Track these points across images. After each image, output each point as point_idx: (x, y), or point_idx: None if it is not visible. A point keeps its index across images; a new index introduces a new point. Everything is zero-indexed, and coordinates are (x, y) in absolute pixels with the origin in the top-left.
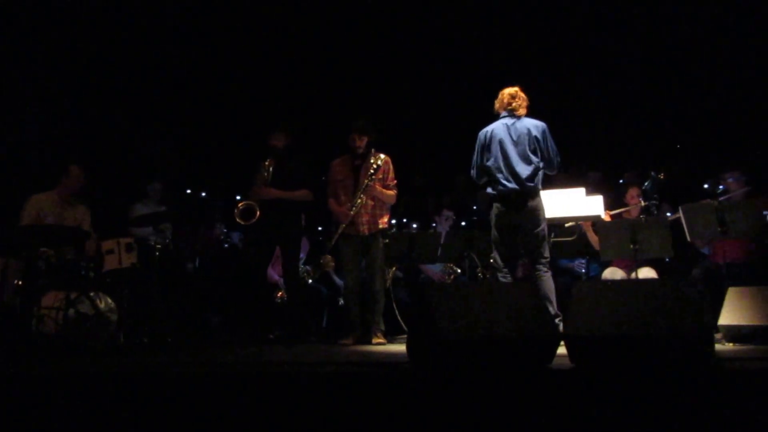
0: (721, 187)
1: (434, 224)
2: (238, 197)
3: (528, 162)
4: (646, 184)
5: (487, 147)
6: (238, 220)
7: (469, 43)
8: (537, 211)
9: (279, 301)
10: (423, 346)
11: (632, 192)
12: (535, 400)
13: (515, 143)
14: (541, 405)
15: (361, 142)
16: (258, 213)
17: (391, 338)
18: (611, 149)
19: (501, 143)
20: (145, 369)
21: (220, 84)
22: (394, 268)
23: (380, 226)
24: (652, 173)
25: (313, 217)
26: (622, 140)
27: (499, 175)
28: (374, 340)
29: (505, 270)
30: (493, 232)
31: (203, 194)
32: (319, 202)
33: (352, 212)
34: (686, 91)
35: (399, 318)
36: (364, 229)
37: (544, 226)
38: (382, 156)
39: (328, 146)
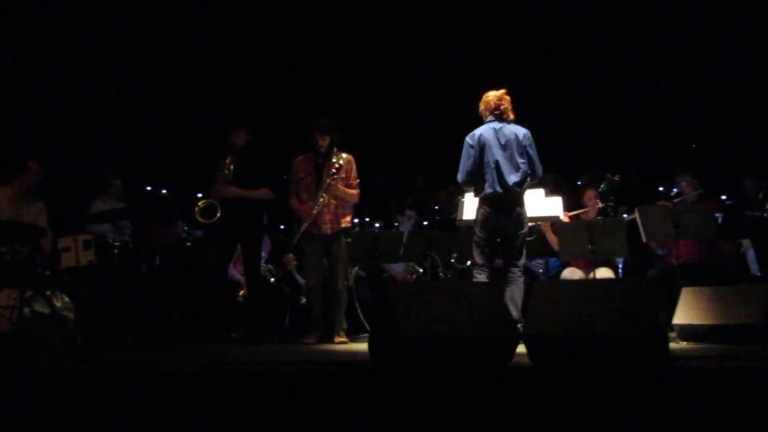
0: (675, 189)
1: (397, 224)
2: (199, 195)
3: (517, 168)
4: (602, 186)
5: (475, 151)
6: (198, 218)
7: (430, 44)
8: (522, 216)
9: (240, 300)
10: (385, 344)
11: (589, 194)
12: (495, 399)
13: (504, 148)
14: (500, 403)
15: (324, 142)
16: (219, 211)
17: (353, 337)
18: (568, 151)
19: (490, 148)
20: (103, 369)
21: (181, 80)
22: (356, 268)
23: (343, 226)
24: (608, 175)
25: (275, 216)
26: (580, 142)
27: (489, 180)
28: (336, 339)
29: (483, 268)
30: (478, 233)
31: (163, 191)
32: (281, 201)
33: (314, 211)
34: (642, 95)
35: (361, 317)
36: (327, 228)
37: (526, 230)
38: (345, 155)
39: (289, 144)
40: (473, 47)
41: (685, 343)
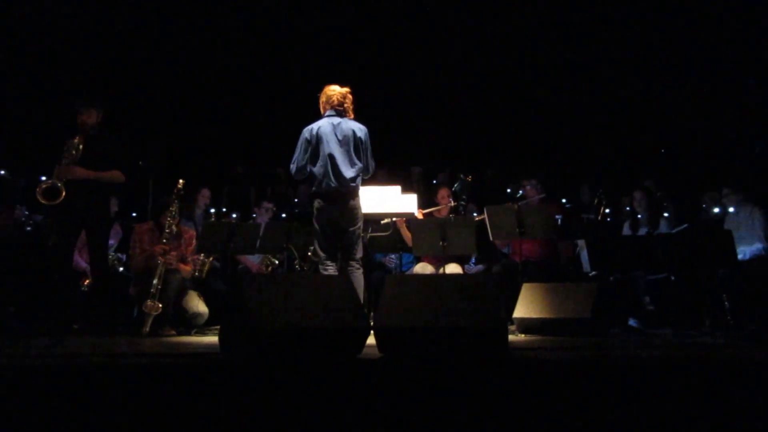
0: (521, 191)
1: (254, 215)
2: (42, 177)
3: (352, 163)
4: (455, 185)
5: (312, 144)
6: (39, 199)
7: (288, 37)
8: (355, 210)
9: (85, 289)
10: (237, 336)
11: (443, 192)
12: (345, 389)
13: (341, 143)
14: (349, 394)
15: (89, 119)
16: (63, 193)
17: (206, 329)
18: (432, 148)
19: (327, 143)
20: None
21: (26, 52)
22: (211, 258)
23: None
24: (462, 176)
25: (127, 201)
26: (440, 142)
27: (323, 173)
28: (167, 331)
29: (328, 262)
30: (315, 226)
31: (2, 172)
32: (132, 185)
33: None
34: (496, 103)
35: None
36: None
37: (360, 225)
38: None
39: (142, 124)
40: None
41: (523, 335)
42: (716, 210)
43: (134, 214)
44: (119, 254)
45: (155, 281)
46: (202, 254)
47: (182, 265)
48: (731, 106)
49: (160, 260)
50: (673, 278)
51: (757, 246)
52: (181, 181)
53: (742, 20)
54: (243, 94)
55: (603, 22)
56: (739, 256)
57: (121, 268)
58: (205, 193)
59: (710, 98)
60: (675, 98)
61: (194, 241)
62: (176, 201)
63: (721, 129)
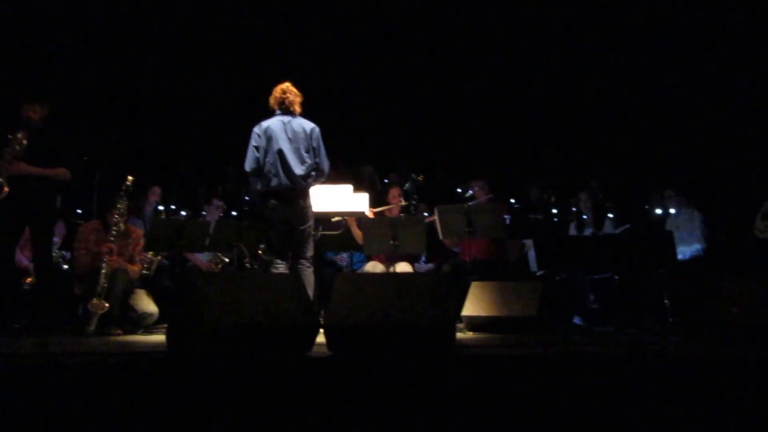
0: (470, 192)
1: (204, 213)
2: None
3: (302, 161)
4: (407, 185)
5: (262, 142)
6: None
7: (239, 35)
8: (306, 209)
9: (27, 287)
10: (184, 335)
11: (394, 192)
12: (293, 387)
13: (291, 141)
14: (298, 392)
15: (35, 114)
16: (6, 189)
17: (154, 328)
18: (384, 148)
19: (277, 140)
20: None
21: None
22: (159, 257)
23: None
24: (413, 176)
25: (72, 198)
26: (392, 142)
27: (274, 172)
28: (113, 330)
29: (278, 261)
30: (266, 224)
31: None
32: (77, 181)
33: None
34: (449, 102)
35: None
36: None
37: (311, 223)
38: None
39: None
40: (295, 37)
41: (471, 333)
42: (658, 211)
43: (79, 211)
44: (63, 252)
45: (101, 280)
46: (151, 252)
47: (130, 265)
48: (676, 110)
49: (107, 258)
50: (616, 277)
51: (696, 246)
52: (129, 177)
53: (685, 24)
54: (194, 90)
55: (548, 22)
56: (679, 257)
57: (65, 266)
58: (156, 191)
59: (655, 102)
60: (621, 101)
61: (142, 241)
62: (124, 198)
63: (665, 133)
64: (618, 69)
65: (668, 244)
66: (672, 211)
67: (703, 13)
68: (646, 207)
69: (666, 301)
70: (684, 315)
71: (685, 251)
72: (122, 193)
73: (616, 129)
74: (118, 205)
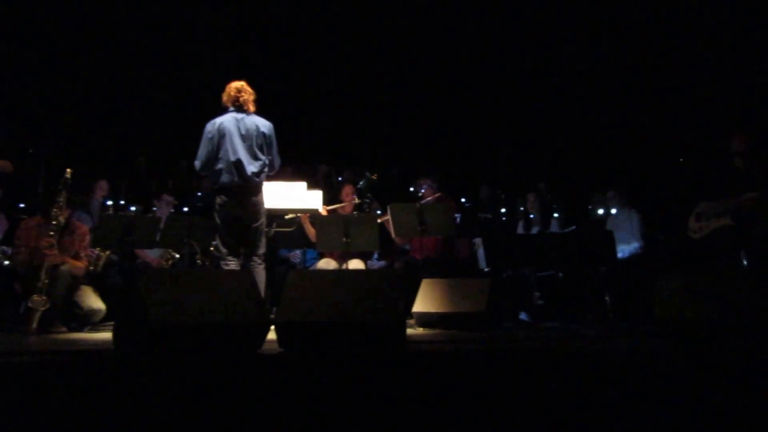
0: (421, 190)
1: (155, 208)
2: None
3: (255, 158)
4: (360, 183)
5: (215, 139)
6: None
7: (195, 31)
8: (258, 206)
9: None
10: (131, 332)
11: (347, 189)
12: (243, 385)
13: (243, 138)
14: (248, 389)
15: None
16: None
17: (100, 325)
18: (338, 146)
19: (230, 137)
20: None
21: None
22: (107, 252)
23: None
24: (367, 174)
25: (14, 193)
26: (347, 140)
27: (226, 169)
28: (57, 328)
29: (230, 258)
30: (217, 221)
31: None
32: (21, 174)
33: None
34: (403, 101)
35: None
36: None
37: (263, 221)
38: None
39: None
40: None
41: (421, 329)
42: (600, 212)
43: (22, 205)
44: (4, 247)
45: (42, 276)
46: (98, 248)
47: (75, 261)
48: (618, 116)
49: (47, 253)
50: (560, 275)
51: (634, 245)
52: (68, 170)
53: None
54: (146, 83)
55: (498, 22)
56: (619, 255)
57: (6, 262)
58: (103, 185)
59: (601, 109)
60: (568, 108)
61: (88, 236)
62: (63, 191)
63: (609, 137)
64: (566, 76)
65: (609, 243)
66: (613, 211)
67: (641, 16)
68: (589, 207)
69: (606, 298)
70: (623, 311)
71: (624, 250)
72: (60, 187)
73: (562, 133)
74: (58, 199)
